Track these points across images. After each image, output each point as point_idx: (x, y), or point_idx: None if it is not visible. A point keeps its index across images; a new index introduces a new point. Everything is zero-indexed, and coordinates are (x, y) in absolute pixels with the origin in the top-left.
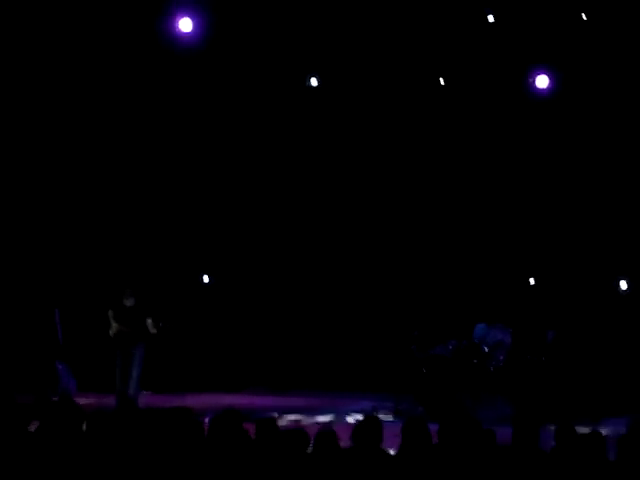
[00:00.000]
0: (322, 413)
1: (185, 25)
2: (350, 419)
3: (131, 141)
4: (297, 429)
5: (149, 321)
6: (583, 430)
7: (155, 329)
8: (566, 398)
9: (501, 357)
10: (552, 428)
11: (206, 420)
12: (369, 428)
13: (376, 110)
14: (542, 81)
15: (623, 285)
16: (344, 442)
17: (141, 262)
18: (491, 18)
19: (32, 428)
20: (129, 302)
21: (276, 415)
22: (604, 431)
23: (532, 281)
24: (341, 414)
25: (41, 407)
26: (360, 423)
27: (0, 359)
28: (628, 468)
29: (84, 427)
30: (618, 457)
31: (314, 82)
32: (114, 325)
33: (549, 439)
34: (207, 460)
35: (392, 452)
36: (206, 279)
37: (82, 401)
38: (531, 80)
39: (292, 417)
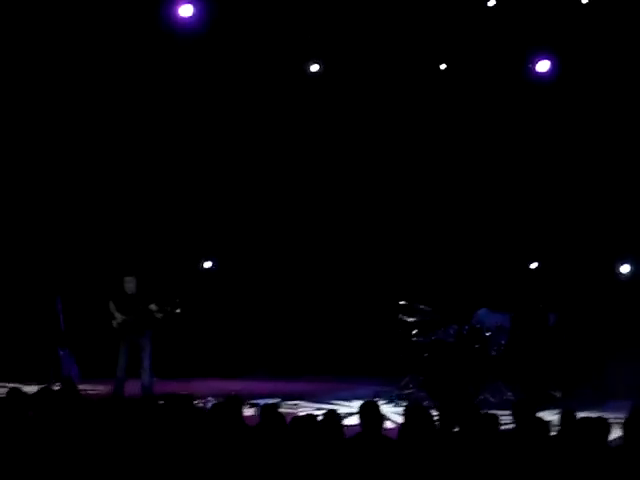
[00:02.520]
0: (325, 399)
1: (186, 11)
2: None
3: (132, 128)
4: (304, 416)
5: (152, 306)
6: (586, 414)
7: (161, 313)
8: (568, 382)
9: (503, 341)
10: (555, 413)
11: (209, 405)
12: (370, 413)
13: (376, 95)
14: (543, 66)
15: (625, 268)
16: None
17: (142, 248)
18: (492, 2)
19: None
20: (130, 289)
21: (279, 401)
22: (607, 415)
23: (533, 265)
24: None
25: (44, 394)
26: (361, 408)
27: (2, 346)
28: (631, 452)
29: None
30: (621, 441)
31: (315, 68)
32: (118, 316)
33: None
34: (208, 446)
35: (393, 437)
36: (208, 265)
37: (88, 388)
38: (532, 65)
39: (294, 403)
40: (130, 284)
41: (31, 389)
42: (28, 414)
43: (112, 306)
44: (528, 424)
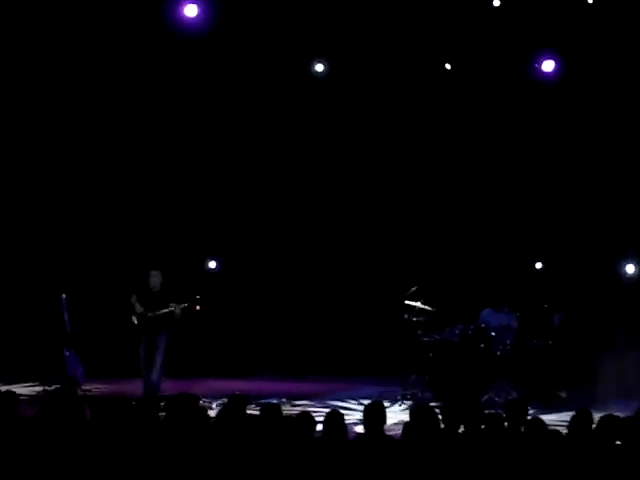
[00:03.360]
0: (329, 398)
1: (190, 11)
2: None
3: (138, 127)
4: (303, 413)
5: (173, 305)
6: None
7: (180, 311)
8: (569, 382)
9: (508, 341)
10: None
11: (213, 406)
12: (375, 414)
13: (382, 95)
14: (548, 65)
15: (630, 269)
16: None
17: (148, 248)
18: (497, 2)
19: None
20: (155, 285)
21: (284, 400)
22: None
23: (538, 265)
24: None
25: (47, 394)
26: (366, 408)
27: (7, 346)
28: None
29: (90, 414)
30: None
31: (320, 68)
32: (138, 307)
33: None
34: (213, 446)
35: (398, 437)
36: (213, 265)
37: (92, 388)
38: (537, 64)
39: (299, 403)
40: (155, 278)
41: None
42: (24, 415)
43: (134, 298)
44: (521, 423)
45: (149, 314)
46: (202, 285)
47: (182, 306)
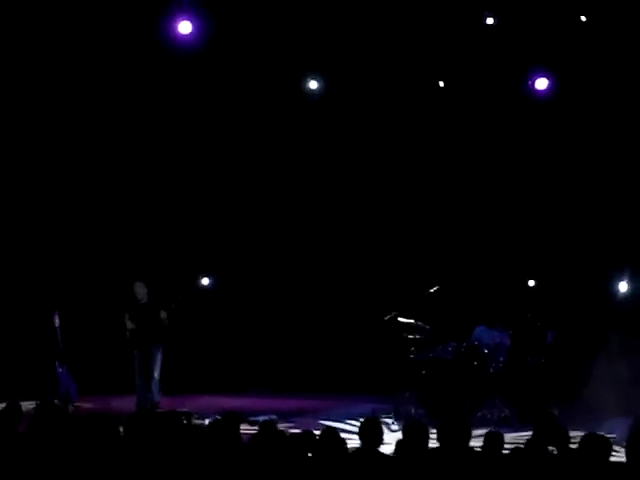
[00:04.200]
0: (323, 416)
1: (185, 27)
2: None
3: (132, 143)
4: (303, 432)
5: (163, 314)
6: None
7: (166, 315)
8: (563, 400)
9: (501, 359)
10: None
11: (206, 422)
12: (370, 430)
13: (375, 113)
14: (541, 83)
15: (623, 287)
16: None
17: (140, 264)
18: (490, 20)
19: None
20: (141, 296)
21: (274, 418)
22: (605, 433)
23: (531, 282)
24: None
25: (41, 410)
26: (361, 425)
27: (0, 362)
28: (633, 470)
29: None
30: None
31: (313, 85)
32: (129, 324)
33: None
34: (204, 463)
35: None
36: (206, 281)
37: (83, 405)
38: (530, 82)
39: (292, 419)
40: (140, 289)
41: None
42: (19, 430)
43: (126, 316)
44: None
45: (139, 327)
46: (195, 302)
47: (168, 307)
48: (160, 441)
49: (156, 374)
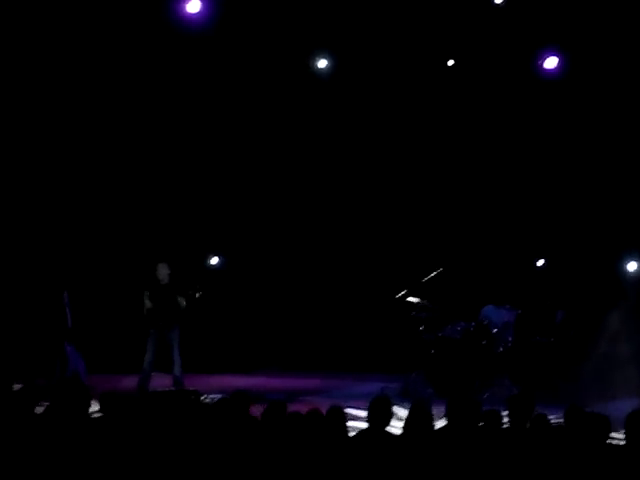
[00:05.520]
0: (332, 395)
1: (193, 6)
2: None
3: (142, 124)
4: (311, 410)
5: (181, 299)
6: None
7: (185, 302)
8: (571, 379)
9: (510, 338)
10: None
11: (212, 398)
12: (379, 409)
13: (385, 91)
14: (551, 62)
15: (632, 266)
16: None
17: (151, 244)
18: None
19: (40, 410)
20: (163, 277)
21: (286, 397)
22: (612, 412)
23: (540, 262)
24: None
25: (51, 389)
26: (371, 404)
27: (10, 341)
28: (632, 450)
29: (94, 408)
30: (626, 437)
31: (322, 64)
32: (147, 303)
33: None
34: (213, 442)
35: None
36: (215, 260)
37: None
38: (540, 61)
39: (301, 398)
40: (163, 270)
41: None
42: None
43: (146, 294)
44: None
45: (157, 308)
46: (204, 281)
47: (186, 293)
48: (169, 420)
49: (176, 356)
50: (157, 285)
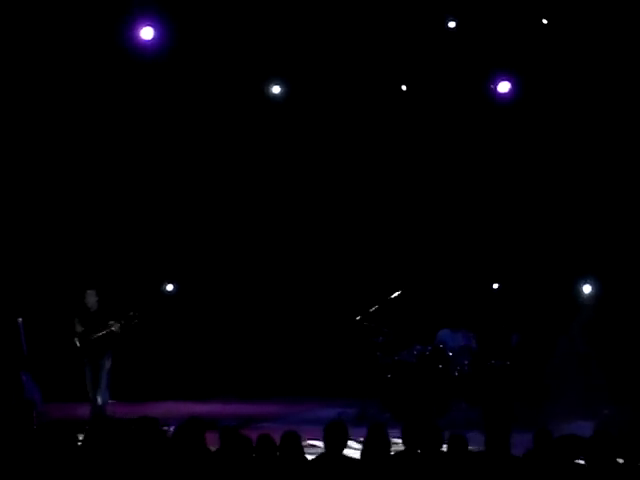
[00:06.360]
0: (288, 420)
1: (147, 33)
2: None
3: (94, 150)
4: (263, 435)
5: (112, 323)
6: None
7: (119, 328)
8: (529, 401)
9: (466, 362)
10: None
11: (171, 429)
12: (335, 434)
13: (338, 117)
14: (504, 86)
15: (586, 288)
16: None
17: (104, 269)
18: (452, 24)
19: None
20: (92, 304)
21: (240, 423)
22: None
23: (495, 285)
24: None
25: (3, 418)
26: (326, 429)
27: None
28: (597, 470)
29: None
30: (587, 460)
31: (276, 90)
32: (78, 327)
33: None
34: (171, 469)
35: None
36: (170, 287)
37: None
38: (493, 85)
39: (257, 425)
40: (91, 297)
41: None
42: None
43: (76, 320)
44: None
45: (92, 336)
46: (159, 307)
47: (120, 323)
48: (129, 447)
49: (103, 383)
50: (87, 312)
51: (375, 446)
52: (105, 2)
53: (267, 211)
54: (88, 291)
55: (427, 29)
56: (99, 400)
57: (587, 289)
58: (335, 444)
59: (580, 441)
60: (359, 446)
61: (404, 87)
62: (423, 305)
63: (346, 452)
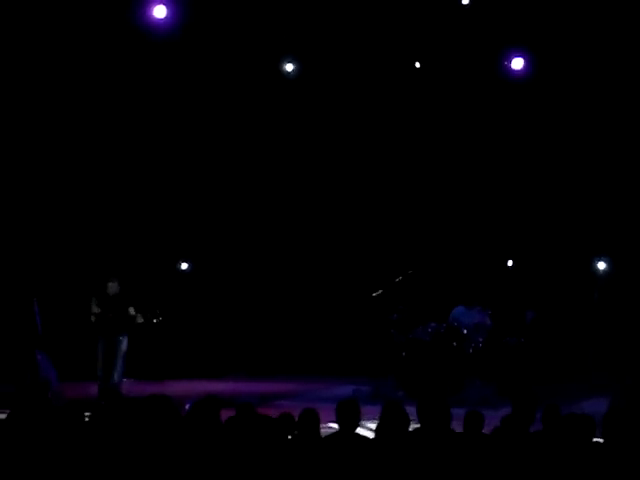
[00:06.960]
0: (304, 398)
1: (159, 12)
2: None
3: (107, 132)
4: (284, 414)
5: (131, 310)
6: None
7: (142, 319)
8: (545, 379)
9: (480, 339)
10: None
11: (186, 407)
12: (348, 411)
13: (351, 95)
14: (517, 63)
15: (601, 266)
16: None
17: (121, 250)
18: (466, 0)
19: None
20: (113, 290)
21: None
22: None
23: (510, 263)
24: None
25: (19, 397)
26: (340, 407)
27: None
28: (612, 447)
29: (65, 416)
30: (603, 436)
31: (289, 68)
32: (95, 309)
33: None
34: (186, 446)
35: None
36: (185, 266)
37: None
38: (506, 62)
39: (273, 403)
40: (113, 288)
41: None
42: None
43: (94, 301)
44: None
45: (106, 314)
46: (174, 286)
47: (146, 317)
48: (142, 425)
49: (118, 364)
50: (106, 296)
51: (391, 423)
52: None
53: (283, 189)
54: (110, 283)
55: (441, 6)
56: (114, 380)
57: (602, 266)
58: (348, 422)
59: (590, 420)
60: (373, 425)
61: (418, 64)
62: (438, 282)
63: (360, 431)
